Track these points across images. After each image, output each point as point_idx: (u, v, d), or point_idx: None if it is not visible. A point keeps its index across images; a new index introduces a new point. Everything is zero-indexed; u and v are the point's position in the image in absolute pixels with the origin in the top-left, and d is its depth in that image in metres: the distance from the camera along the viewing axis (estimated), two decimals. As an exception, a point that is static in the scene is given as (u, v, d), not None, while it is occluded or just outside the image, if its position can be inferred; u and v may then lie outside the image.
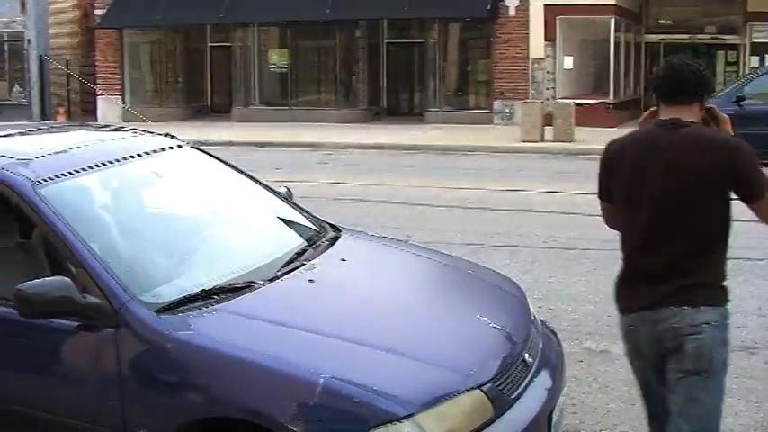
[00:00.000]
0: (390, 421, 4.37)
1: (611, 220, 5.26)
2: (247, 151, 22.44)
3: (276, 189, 6.98)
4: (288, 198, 6.95)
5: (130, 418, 4.86)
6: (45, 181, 5.52)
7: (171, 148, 6.69)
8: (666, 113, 4.91)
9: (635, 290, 4.95)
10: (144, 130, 7.13)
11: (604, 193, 5.16)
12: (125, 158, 6.22)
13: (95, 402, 5.01)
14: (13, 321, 5.19)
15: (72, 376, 5.17)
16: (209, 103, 39.82)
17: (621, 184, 5.00)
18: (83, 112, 39.84)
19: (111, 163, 6.09)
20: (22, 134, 7.02)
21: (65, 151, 6.11)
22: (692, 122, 4.85)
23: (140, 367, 4.87)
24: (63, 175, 5.69)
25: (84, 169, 5.87)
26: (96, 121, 34.97)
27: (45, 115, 39.75)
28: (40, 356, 5.28)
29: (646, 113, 5.20)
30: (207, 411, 4.70)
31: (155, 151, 6.52)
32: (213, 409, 4.68)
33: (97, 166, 5.98)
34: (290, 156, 24.25)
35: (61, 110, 38.99)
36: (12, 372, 5.38)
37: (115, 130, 7.32)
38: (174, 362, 4.78)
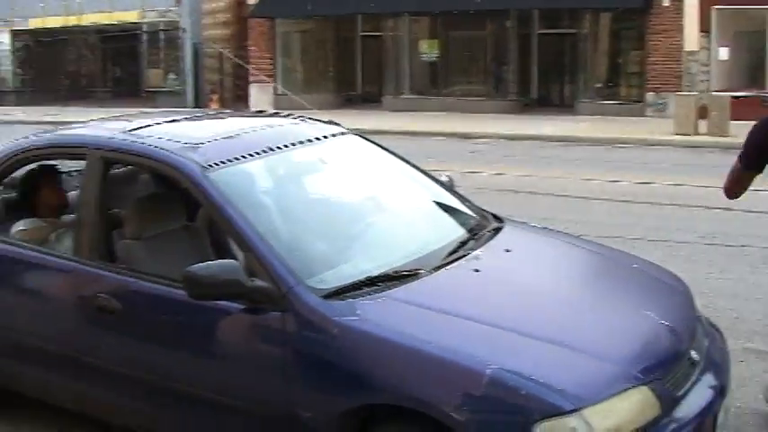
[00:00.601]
0: (557, 415, 4.30)
1: (737, 187, 6.08)
2: (398, 140, 22.28)
3: (438, 178, 6.95)
4: (450, 187, 6.92)
5: (294, 402, 4.91)
6: (214, 165, 5.60)
7: (335, 135, 6.73)
8: None
9: None
10: (305, 117, 7.19)
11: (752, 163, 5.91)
12: (291, 145, 6.27)
13: (260, 385, 5.08)
14: (179, 302, 5.30)
15: (236, 358, 5.24)
16: (359, 91, 40.04)
17: None
18: (235, 100, 40.42)
19: (277, 149, 6.15)
20: (188, 119, 7.14)
21: (232, 137, 6.20)
22: None
23: (306, 352, 4.90)
24: (231, 160, 5.77)
25: (251, 155, 5.94)
26: (248, 108, 35.40)
27: (198, 102, 40.51)
28: (204, 337, 5.37)
29: None
30: (371, 398, 4.71)
31: (320, 138, 6.56)
32: (377, 395, 4.68)
33: (264, 151, 6.04)
34: (441, 145, 24.20)
35: (214, 97, 39.60)
36: (177, 352, 5.50)
37: (280, 116, 7.38)
38: (340, 347, 4.79)
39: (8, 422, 6.58)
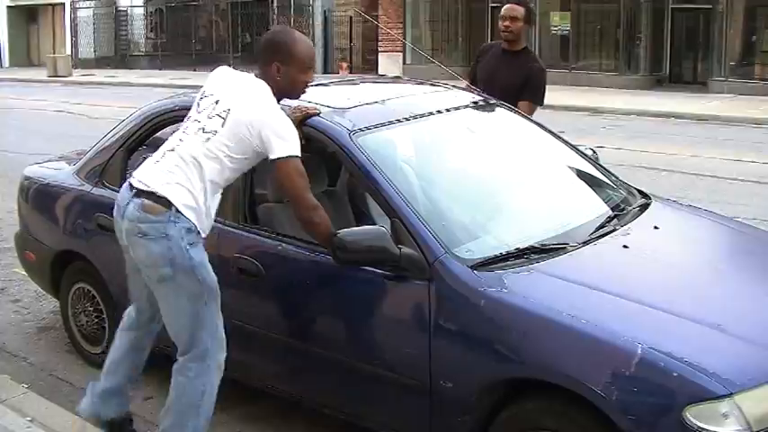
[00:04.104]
0: (708, 399, 4.12)
1: None
2: (529, 113, 22.26)
3: (583, 150, 6.82)
4: (595, 160, 6.79)
5: (437, 372, 4.84)
6: (361, 130, 5.56)
7: (479, 104, 6.65)
8: None
9: None
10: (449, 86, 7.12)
11: None
12: (436, 112, 6.21)
13: (402, 353, 5.03)
14: (321, 266, 5.30)
15: (378, 325, 5.22)
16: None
17: None
18: (364, 67, 40.56)
19: (423, 116, 6.09)
20: (331, 84, 7.12)
21: (379, 102, 6.16)
22: None
23: (452, 322, 4.82)
24: (378, 125, 5.72)
25: (398, 121, 5.90)
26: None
27: (327, 69, 40.74)
28: (346, 303, 5.34)
29: None
30: (515, 372, 4.63)
31: (465, 106, 6.49)
32: (524, 369, 4.59)
33: (410, 118, 6.00)
34: (572, 119, 23.81)
35: (344, 64, 39.84)
36: (318, 316, 5.50)
37: (424, 84, 7.31)
38: (486, 319, 4.69)
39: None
